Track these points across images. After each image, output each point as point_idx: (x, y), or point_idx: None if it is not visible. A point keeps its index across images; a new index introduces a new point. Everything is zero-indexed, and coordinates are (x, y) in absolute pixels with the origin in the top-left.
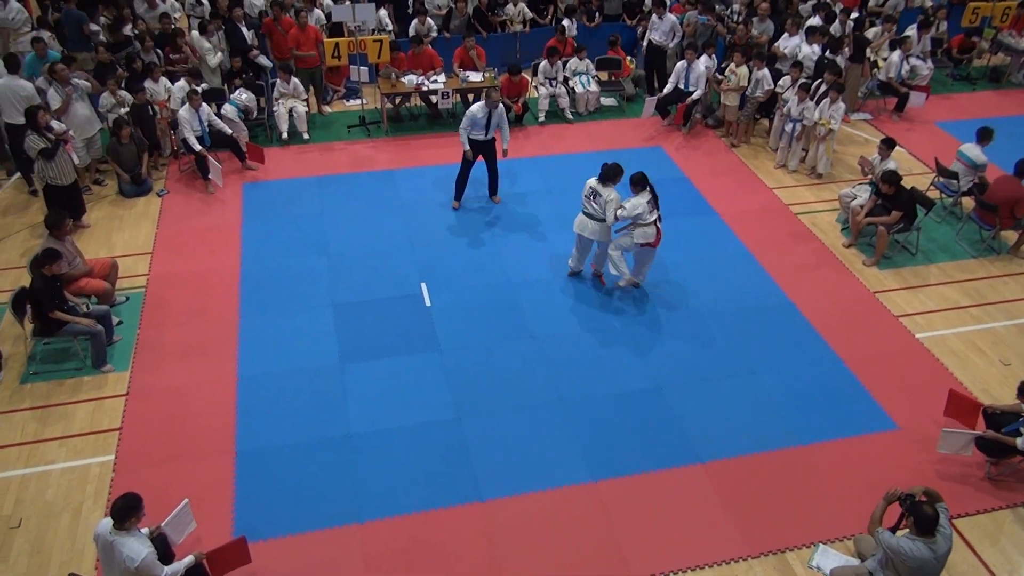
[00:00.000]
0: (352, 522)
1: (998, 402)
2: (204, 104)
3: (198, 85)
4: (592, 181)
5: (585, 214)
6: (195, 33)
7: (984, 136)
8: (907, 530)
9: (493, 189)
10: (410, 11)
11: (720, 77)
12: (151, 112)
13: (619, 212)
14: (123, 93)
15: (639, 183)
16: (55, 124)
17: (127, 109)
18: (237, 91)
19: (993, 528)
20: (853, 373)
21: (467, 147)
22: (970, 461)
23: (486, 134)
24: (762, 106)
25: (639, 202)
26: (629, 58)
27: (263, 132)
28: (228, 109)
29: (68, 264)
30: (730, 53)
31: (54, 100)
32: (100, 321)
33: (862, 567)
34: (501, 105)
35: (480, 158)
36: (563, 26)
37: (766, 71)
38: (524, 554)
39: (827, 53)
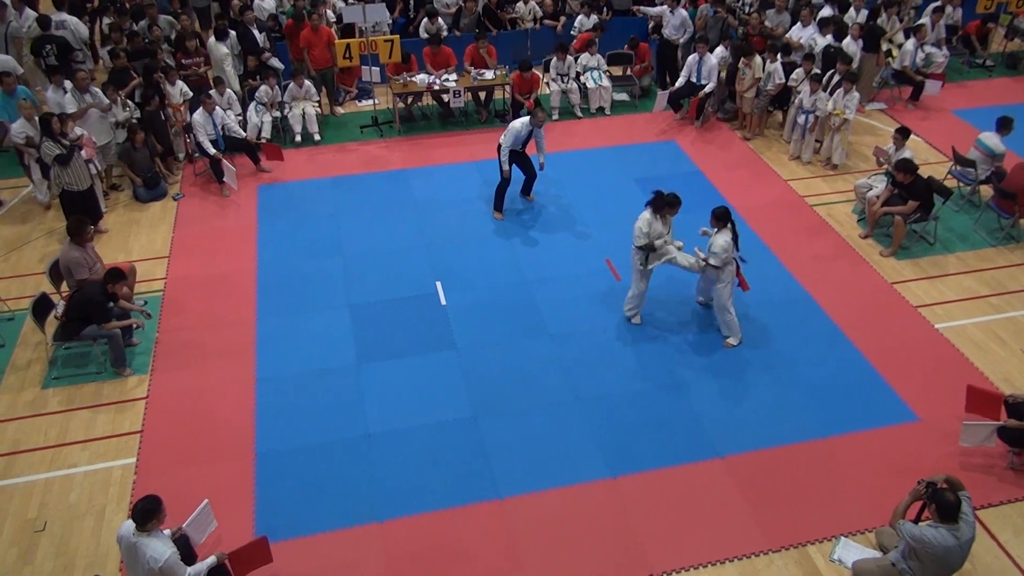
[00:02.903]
0: (372, 521)
1: (1020, 391)
2: (218, 108)
3: (210, 92)
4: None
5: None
6: (211, 40)
7: (1004, 125)
8: (929, 520)
9: (528, 188)
10: (411, 14)
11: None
12: (163, 118)
13: (711, 261)
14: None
15: (722, 218)
16: (78, 130)
17: (131, 115)
18: (257, 91)
19: (1017, 518)
20: (872, 365)
21: (507, 167)
22: (993, 452)
23: (523, 147)
24: (775, 98)
25: (724, 241)
26: (645, 63)
27: (276, 134)
28: (255, 110)
29: (89, 270)
30: (743, 44)
31: (70, 104)
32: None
33: (884, 559)
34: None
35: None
36: (600, 21)
37: (779, 64)
38: (544, 550)
39: (832, 40)
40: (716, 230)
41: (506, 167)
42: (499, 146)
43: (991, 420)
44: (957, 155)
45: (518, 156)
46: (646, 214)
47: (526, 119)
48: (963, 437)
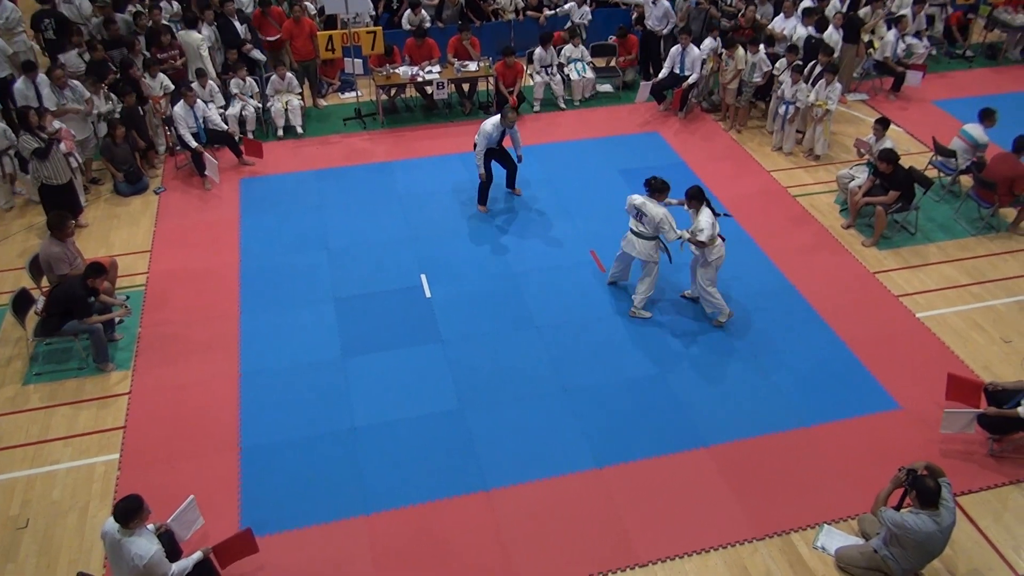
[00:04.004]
0: (359, 514)
1: (999, 379)
2: (199, 100)
3: (191, 84)
4: (635, 198)
5: (633, 232)
6: (182, 32)
7: (987, 116)
8: (910, 507)
9: (512, 181)
10: (394, 5)
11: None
12: (141, 113)
13: (699, 237)
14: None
15: (696, 197)
16: (57, 123)
17: (113, 107)
18: (230, 84)
19: (997, 504)
20: (854, 354)
21: (483, 169)
22: (973, 439)
23: (498, 145)
24: (759, 89)
25: (708, 220)
26: (631, 55)
27: (259, 127)
28: (232, 102)
29: (69, 265)
30: (729, 36)
31: (49, 101)
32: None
33: (867, 546)
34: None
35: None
36: (575, 26)
37: (763, 55)
38: (530, 541)
39: (814, 31)
40: (694, 211)
41: (482, 169)
42: (475, 145)
43: (971, 408)
44: (938, 145)
45: (495, 152)
46: (661, 209)
47: (496, 119)
48: (944, 425)
